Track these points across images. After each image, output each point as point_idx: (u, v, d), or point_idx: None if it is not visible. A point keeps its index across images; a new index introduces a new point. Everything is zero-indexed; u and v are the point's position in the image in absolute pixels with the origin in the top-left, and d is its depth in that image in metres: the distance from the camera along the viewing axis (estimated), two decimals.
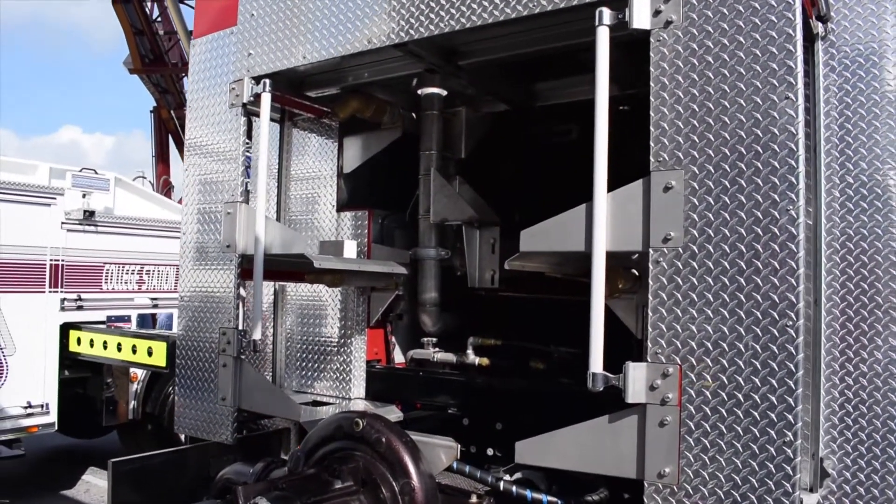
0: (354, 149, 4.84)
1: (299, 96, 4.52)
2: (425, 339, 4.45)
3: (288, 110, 4.88)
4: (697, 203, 2.62)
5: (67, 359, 9.01)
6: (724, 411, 2.55)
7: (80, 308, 9.08)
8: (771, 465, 2.45)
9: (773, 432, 2.46)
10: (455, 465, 3.19)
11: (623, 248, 2.77)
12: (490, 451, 3.81)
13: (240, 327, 4.14)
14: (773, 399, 2.46)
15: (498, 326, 4.31)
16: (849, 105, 3.15)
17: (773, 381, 2.47)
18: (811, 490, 3.07)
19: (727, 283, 2.56)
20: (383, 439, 3.02)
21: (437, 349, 4.42)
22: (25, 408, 8.40)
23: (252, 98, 4.09)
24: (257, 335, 3.90)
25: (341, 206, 4.73)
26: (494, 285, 4.40)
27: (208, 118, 4.34)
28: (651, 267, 2.69)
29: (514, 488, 3.08)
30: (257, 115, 4.19)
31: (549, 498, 3.05)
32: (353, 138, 4.84)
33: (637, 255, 2.80)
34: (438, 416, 4.18)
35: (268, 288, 4.98)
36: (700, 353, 2.59)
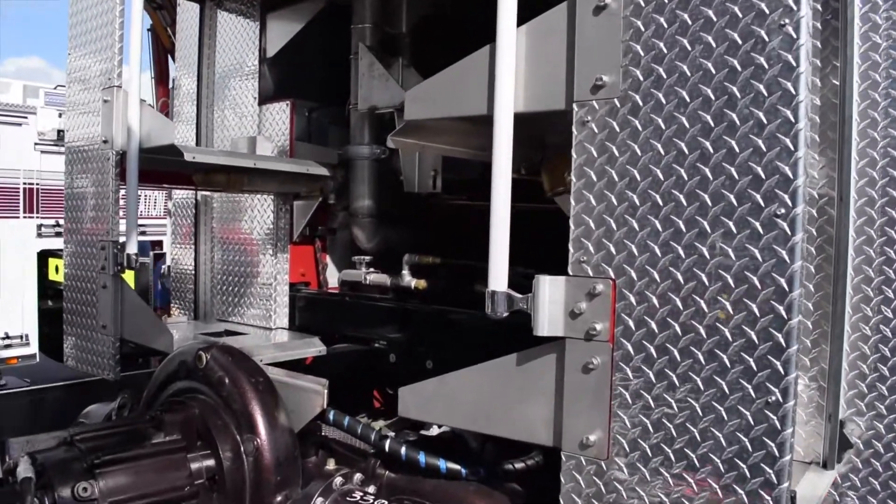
0: (277, 29, 3.93)
1: None
2: (357, 257, 3.62)
3: None
4: (643, 28, 1.66)
5: (50, 288, 8.59)
6: (676, 353, 1.65)
7: (59, 234, 8.55)
8: (745, 439, 1.56)
9: (749, 387, 1.56)
10: (332, 417, 2.38)
11: (539, 108, 1.84)
12: None
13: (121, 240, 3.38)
14: (752, 334, 1.55)
15: (441, 241, 3.44)
16: None
17: (753, 307, 1.55)
18: (824, 466, 2.17)
19: (686, 151, 1.62)
20: (226, 380, 2.23)
21: (370, 269, 3.59)
22: (3, 339, 8.03)
23: None
24: (131, 248, 3.17)
25: (263, 99, 3.87)
26: (437, 190, 3.51)
27: None
28: (575, 132, 1.77)
29: (402, 450, 2.26)
30: None
31: (450, 464, 2.22)
32: (276, 15, 3.93)
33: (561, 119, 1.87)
34: (364, 351, 3.39)
35: (188, 200, 4.22)
36: (643, 262, 1.68)
